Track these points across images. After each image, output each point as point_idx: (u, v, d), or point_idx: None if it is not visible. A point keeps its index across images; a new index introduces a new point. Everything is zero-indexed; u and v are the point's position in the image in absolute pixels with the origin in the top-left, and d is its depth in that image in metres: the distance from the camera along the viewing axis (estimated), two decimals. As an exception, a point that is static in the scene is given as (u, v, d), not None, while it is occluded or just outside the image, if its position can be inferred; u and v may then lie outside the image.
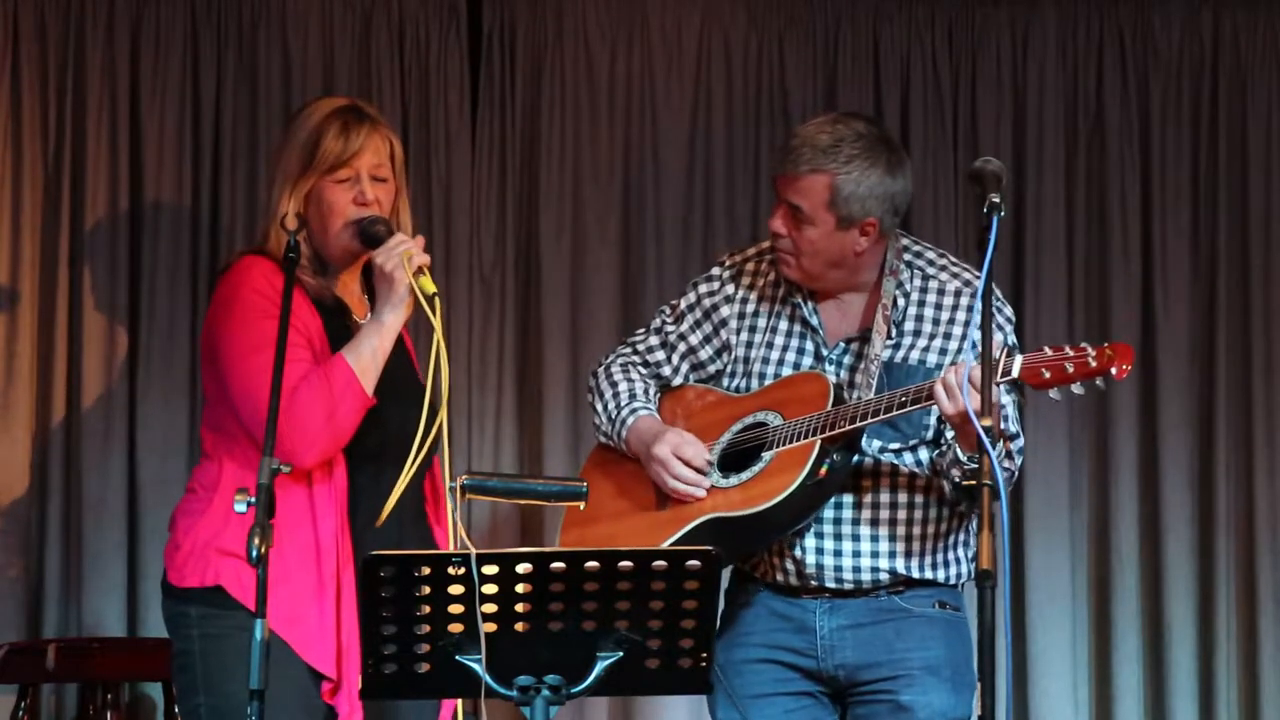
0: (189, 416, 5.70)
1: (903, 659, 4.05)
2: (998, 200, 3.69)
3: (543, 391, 5.95)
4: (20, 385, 5.66)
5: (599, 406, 4.27)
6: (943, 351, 4.06)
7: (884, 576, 4.07)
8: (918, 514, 4.08)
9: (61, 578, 5.64)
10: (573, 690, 3.33)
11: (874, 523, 4.07)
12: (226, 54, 5.83)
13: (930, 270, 4.15)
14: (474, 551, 3.24)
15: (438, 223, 5.90)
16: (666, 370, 4.29)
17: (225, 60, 5.82)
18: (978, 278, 4.06)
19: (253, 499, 3.38)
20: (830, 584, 4.07)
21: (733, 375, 4.20)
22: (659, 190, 6.02)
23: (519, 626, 3.29)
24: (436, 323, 3.65)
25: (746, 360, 4.18)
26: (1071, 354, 3.74)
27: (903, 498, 4.08)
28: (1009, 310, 4.16)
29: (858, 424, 3.94)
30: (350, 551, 3.74)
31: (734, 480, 4.05)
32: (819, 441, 3.95)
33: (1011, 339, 4.10)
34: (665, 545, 4.01)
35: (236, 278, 3.80)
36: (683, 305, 4.31)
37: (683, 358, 4.28)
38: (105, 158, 5.74)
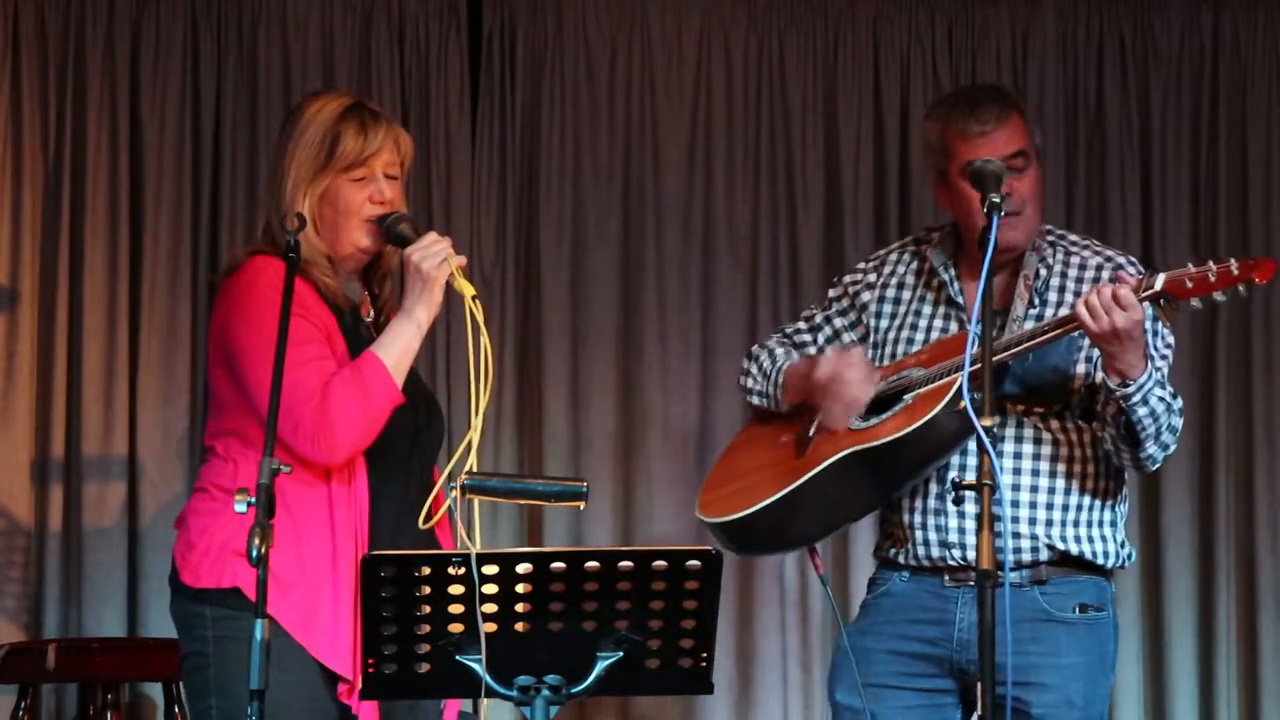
0: (189, 416, 5.70)
1: (1036, 665, 4.00)
2: (998, 200, 3.69)
3: (543, 391, 5.95)
4: (20, 385, 5.66)
5: (754, 369, 4.32)
6: None
7: (1024, 545, 4.03)
8: (1060, 483, 4.05)
9: (61, 578, 5.64)
10: (573, 690, 3.33)
11: (1015, 488, 4.04)
12: (226, 54, 5.83)
13: (1074, 248, 4.16)
14: (474, 551, 3.24)
15: (438, 223, 5.90)
16: (812, 350, 4.31)
17: (225, 60, 5.83)
18: (1119, 254, 4.16)
19: (253, 499, 3.38)
20: (971, 554, 4.01)
21: (875, 361, 4.21)
22: (659, 190, 6.02)
23: (519, 626, 3.29)
24: (480, 319, 3.65)
25: (889, 343, 4.20)
26: (1214, 265, 3.78)
27: (1045, 466, 4.05)
28: (1139, 265, 4.17)
29: (1000, 355, 3.94)
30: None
31: (874, 420, 4.05)
32: (961, 376, 3.95)
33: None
34: (799, 483, 4.03)
35: (250, 277, 3.77)
36: (830, 294, 4.36)
37: (828, 340, 4.30)
38: (105, 158, 5.74)
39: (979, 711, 3.43)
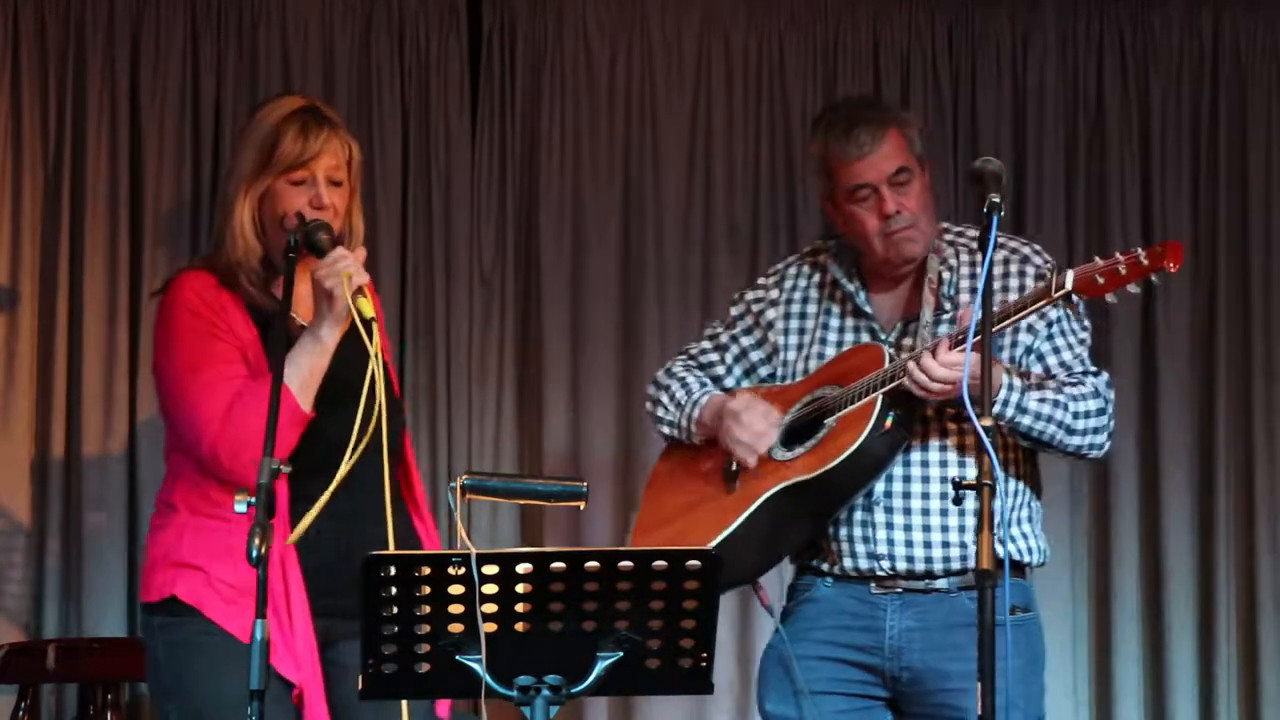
0: (189, 416, 5.69)
1: (972, 671, 3.99)
2: (998, 200, 3.69)
3: (543, 392, 5.95)
4: (20, 386, 5.66)
5: (665, 399, 4.30)
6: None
7: (954, 553, 4.03)
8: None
9: (61, 578, 5.64)
10: (573, 690, 3.33)
11: (944, 496, 4.04)
12: (226, 54, 5.83)
13: (975, 245, 4.15)
14: (474, 551, 3.24)
15: (438, 223, 5.90)
16: (720, 370, 4.31)
17: (225, 60, 5.83)
18: (1024, 244, 4.16)
19: (253, 499, 3.38)
20: (901, 564, 4.05)
21: (785, 379, 4.21)
22: (659, 190, 6.02)
23: (519, 626, 3.28)
24: (373, 349, 3.60)
25: (801, 359, 4.19)
26: (1122, 258, 3.78)
27: (970, 472, 4.00)
28: (1046, 255, 4.18)
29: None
30: (296, 560, 3.72)
31: (799, 451, 4.05)
32: (880, 395, 3.96)
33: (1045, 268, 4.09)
34: (733, 527, 4.03)
35: (170, 299, 3.82)
36: (733, 312, 4.34)
37: (736, 360, 4.30)
38: (105, 158, 5.74)
39: (978, 711, 3.42)
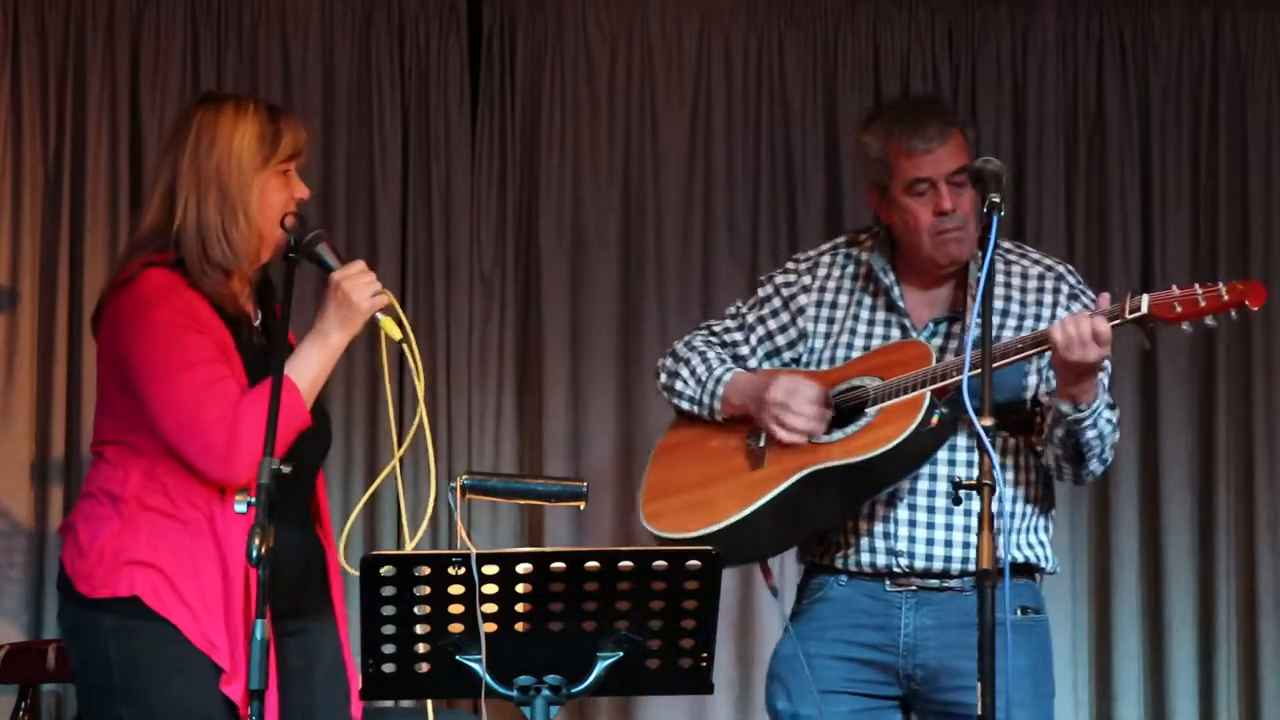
0: (189, 416, 5.69)
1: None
2: (998, 200, 3.69)
3: (543, 391, 5.96)
4: (20, 385, 5.66)
5: (684, 372, 4.26)
6: (1032, 331, 4.06)
7: (972, 554, 4.02)
8: (1008, 492, 4.07)
9: (61, 578, 5.64)
10: (573, 690, 3.33)
11: (968, 497, 4.04)
12: (226, 54, 5.83)
13: (1010, 256, 4.17)
14: (474, 551, 3.24)
15: (438, 223, 5.90)
16: (744, 350, 4.28)
17: (225, 60, 5.83)
18: (1059, 263, 4.19)
19: (253, 499, 3.37)
20: (920, 563, 4.05)
21: (809, 364, 4.20)
22: (659, 190, 6.02)
23: (519, 626, 3.29)
24: (416, 369, 3.60)
25: (828, 347, 4.18)
26: (1200, 290, 3.80)
27: (997, 475, 4.05)
28: (1079, 276, 4.21)
29: (969, 373, 3.94)
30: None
31: (838, 435, 4.04)
32: (929, 393, 3.97)
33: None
34: (766, 500, 4.02)
35: (144, 292, 3.71)
36: (760, 294, 4.31)
37: (760, 341, 4.27)
38: (105, 158, 5.75)
39: (979, 711, 3.42)
